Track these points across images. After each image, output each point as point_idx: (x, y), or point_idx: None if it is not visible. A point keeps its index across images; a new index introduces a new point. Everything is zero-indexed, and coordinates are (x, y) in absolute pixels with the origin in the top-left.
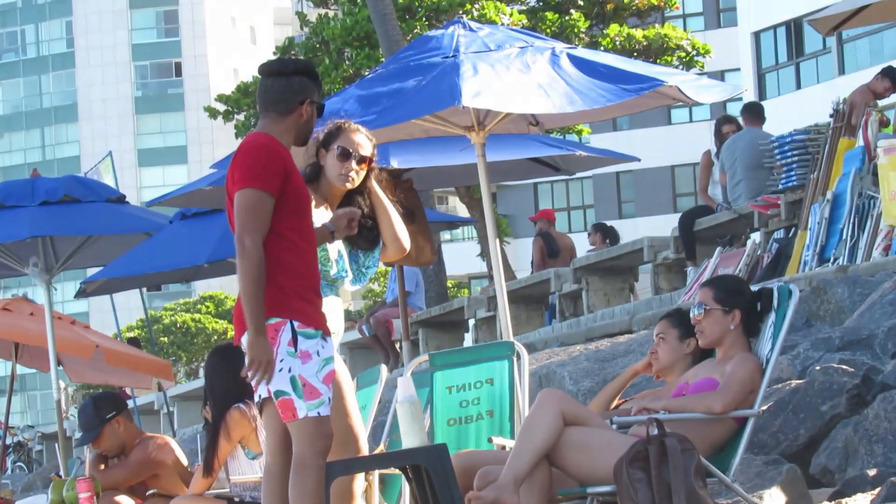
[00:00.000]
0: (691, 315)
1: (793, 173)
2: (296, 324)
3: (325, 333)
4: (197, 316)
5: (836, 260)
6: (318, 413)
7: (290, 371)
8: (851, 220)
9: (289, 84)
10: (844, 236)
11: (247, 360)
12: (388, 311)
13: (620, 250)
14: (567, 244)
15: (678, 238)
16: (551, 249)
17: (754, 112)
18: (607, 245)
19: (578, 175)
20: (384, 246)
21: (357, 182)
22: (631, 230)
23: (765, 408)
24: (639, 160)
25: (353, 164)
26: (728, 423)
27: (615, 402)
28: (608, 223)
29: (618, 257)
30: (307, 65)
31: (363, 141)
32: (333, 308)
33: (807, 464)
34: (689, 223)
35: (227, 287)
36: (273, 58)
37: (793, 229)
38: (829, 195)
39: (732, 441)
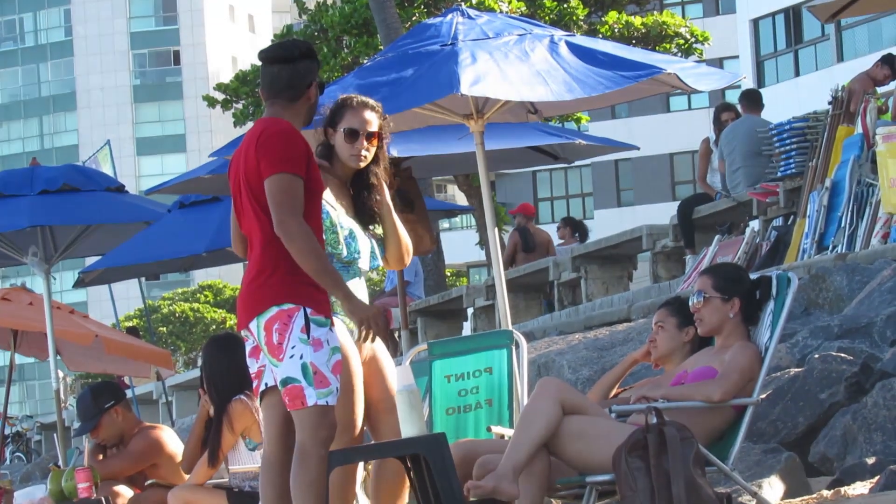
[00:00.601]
0: (690, 303)
1: (791, 161)
2: (308, 310)
3: (332, 323)
4: (195, 305)
5: (834, 248)
6: (327, 402)
7: (301, 358)
8: (850, 208)
9: (296, 70)
10: (843, 224)
11: (356, 329)
12: (387, 300)
13: (619, 238)
14: (543, 239)
15: (677, 226)
16: (526, 244)
17: (753, 99)
18: (576, 239)
19: (577, 163)
20: (385, 257)
21: (370, 158)
22: (630, 218)
23: (763, 396)
24: (637, 148)
25: (363, 142)
26: (727, 412)
27: (614, 391)
28: (577, 217)
29: (616, 245)
30: (309, 47)
31: (370, 116)
32: (356, 291)
33: (806, 452)
34: (688, 211)
35: (226, 276)
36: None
37: (791, 217)
38: (827, 183)
39: (731, 429)
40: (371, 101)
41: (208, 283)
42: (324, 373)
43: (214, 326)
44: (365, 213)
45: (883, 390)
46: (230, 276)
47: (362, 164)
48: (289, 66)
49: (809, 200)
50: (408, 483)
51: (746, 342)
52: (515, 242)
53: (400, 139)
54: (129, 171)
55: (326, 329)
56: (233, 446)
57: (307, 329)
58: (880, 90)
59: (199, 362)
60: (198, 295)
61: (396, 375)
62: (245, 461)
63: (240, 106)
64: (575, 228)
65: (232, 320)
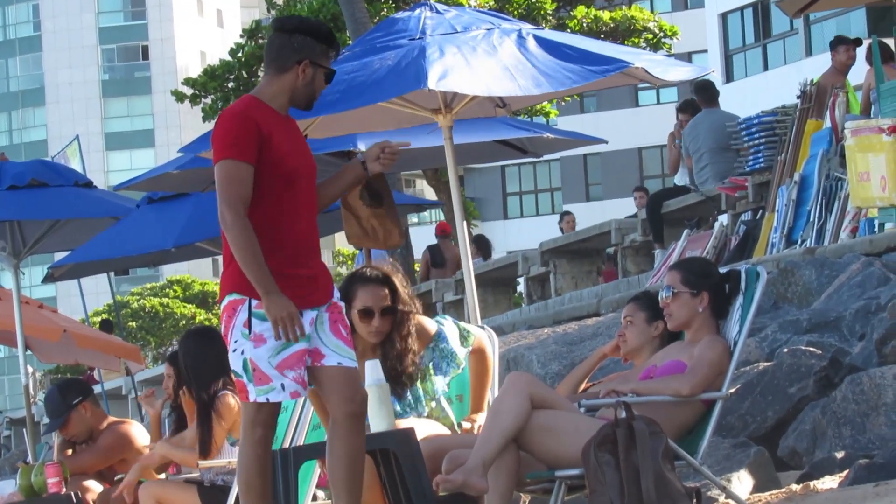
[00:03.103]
0: (659, 298)
1: (760, 155)
2: (254, 303)
3: (298, 306)
4: (165, 300)
5: (803, 242)
6: (267, 399)
7: (242, 353)
8: (819, 202)
9: (288, 41)
10: (812, 218)
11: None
12: None
13: (588, 233)
14: (454, 255)
15: (645, 221)
16: (435, 260)
17: (709, 93)
18: (480, 256)
19: (546, 157)
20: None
21: (385, 331)
22: (598, 213)
23: (733, 390)
24: (606, 142)
25: (376, 321)
26: (696, 406)
27: (583, 386)
28: (485, 237)
29: (585, 240)
30: (314, 25)
31: (381, 291)
32: (422, 427)
33: (775, 446)
34: (657, 206)
35: (195, 271)
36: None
37: (760, 211)
38: (796, 177)
39: (700, 424)
40: (383, 270)
41: (177, 277)
42: (262, 370)
43: (184, 321)
44: (394, 380)
45: (852, 384)
46: (199, 272)
47: (379, 339)
48: (282, 36)
49: (778, 195)
50: (376, 478)
51: (715, 336)
52: (427, 259)
53: (368, 133)
54: (97, 166)
55: (268, 322)
56: (224, 438)
57: (249, 323)
58: (853, 81)
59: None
60: (167, 290)
61: (366, 370)
62: (225, 456)
63: (208, 101)
64: (479, 246)
65: (202, 315)
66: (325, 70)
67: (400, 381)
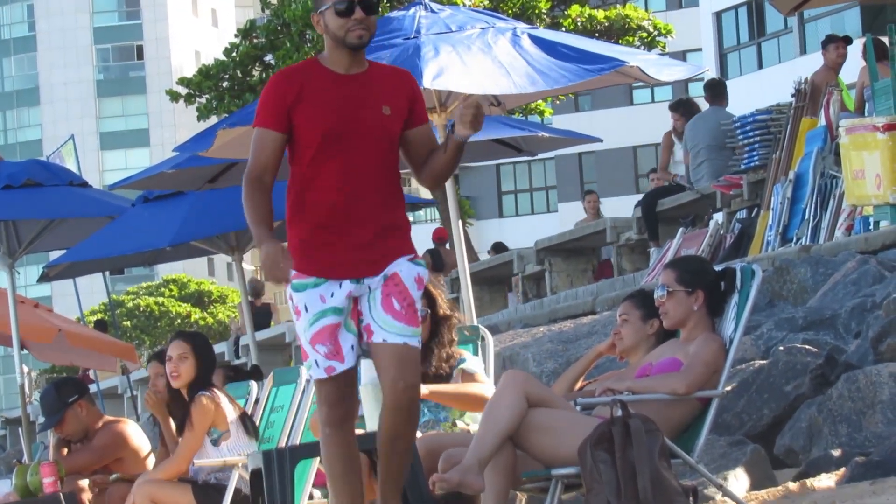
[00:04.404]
0: (655, 297)
1: (755, 153)
2: (292, 274)
3: (327, 276)
4: (160, 299)
5: (798, 240)
6: (311, 376)
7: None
8: (814, 200)
9: (315, 1)
10: (807, 216)
11: None
12: None
13: (583, 231)
14: (452, 260)
15: (641, 219)
16: (436, 264)
17: (717, 90)
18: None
19: (541, 156)
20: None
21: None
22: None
23: (728, 388)
24: (601, 141)
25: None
26: (692, 404)
27: (579, 384)
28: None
29: (580, 238)
30: None
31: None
32: None
33: (771, 444)
34: (652, 204)
35: (190, 270)
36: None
37: (755, 209)
38: (791, 175)
39: (696, 422)
40: None
41: (172, 277)
42: (303, 344)
43: (179, 321)
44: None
45: (848, 382)
46: (194, 271)
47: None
48: None
49: (773, 192)
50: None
51: (711, 334)
52: (428, 262)
53: None
54: (92, 165)
55: (306, 292)
56: (199, 447)
57: (292, 296)
58: (846, 80)
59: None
60: (162, 289)
61: (362, 368)
62: (211, 454)
63: (203, 100)
64: (432, 258)
65: (197, 314)
66: (334, 9)
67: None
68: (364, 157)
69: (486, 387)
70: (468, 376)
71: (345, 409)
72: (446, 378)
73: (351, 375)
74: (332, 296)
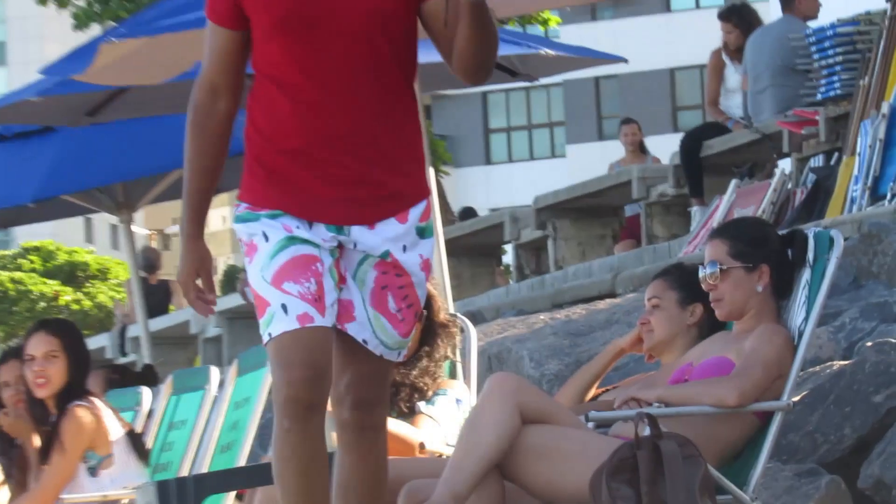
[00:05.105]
0: (701, 275)
1: (836, 79)
2: (242, 206)
3: (291, 213)
4: (17, 275)
5: (894, 196)
6: (269, 335)
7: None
8: None
9: None
10: None
11: None
12: None
13: (601, 184)
14: None
15: (679, 167)
16: None
17: None
18: None
19: (543, 81)
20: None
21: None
22: (615, 156)
23: (797, 399)
24: (626, 61)
25: None
26: (746, 420)
27: (592, 392)
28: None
29: (597, 194)
30: None
31: None
32: None
33: (855, 475)
34: (695, 147)
35: (60, 235)
36: None
37: (836, 155)
38: (885, 108)
39: (752, 444)
40: None
41: (34, 244)
42: (259, 291)
43: (44, 304)
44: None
45: None
46: (65, 236)
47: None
48: None
49: (860, 133)
50: None
51: (774, 325)
52: None
53: None
54: None
55: (259, 222)
56: (71, 478)
57: (240, 232)
58: None
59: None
60: (20, 261)
61: None
62: (86, 487)
63: (82, 3)
64: None
65: (68, 295)
66: None
67: (411, 397)
68: (345, 48)
69: (421, 432)
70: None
71: (315, 392)
72: (407, 416)
73: (328, 342)
74: (297, 228)
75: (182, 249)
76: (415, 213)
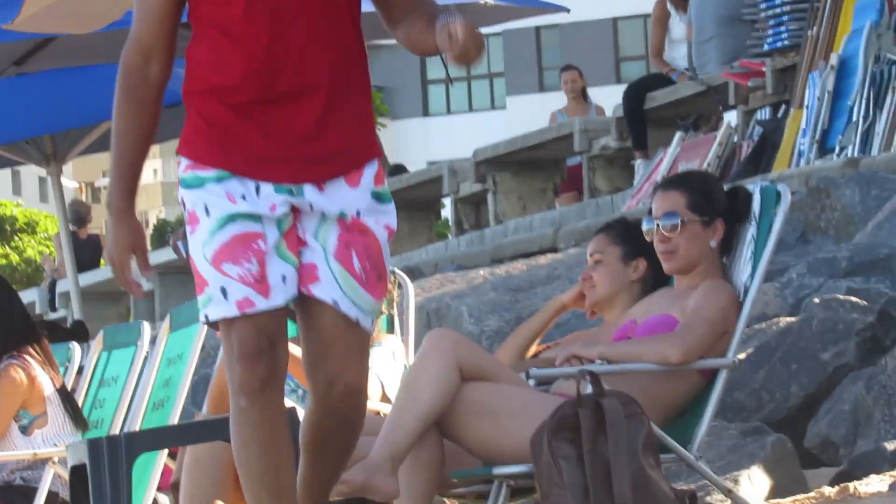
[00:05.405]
0: (649, 227)
1: (783, 29)
2: (185, 164)
3: (235, 171)
4: None
5: (843, 150)
6: (206, 317)
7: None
8: (865, 95)
9: None
10: (855, 117)
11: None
12: None
13: (542, 136)
14: None
15: (622, 120)
16: None
17: None
18: None
19: (483, 31)
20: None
21: None
22: (555, 108)
23: (742, 356)
24: (567, 10)
25: None
26: (691, 378)
27: (533, 349)
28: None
29: (538, 146)
30: None
31: None
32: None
33: (801, 434)
34: (638, 99)
35: None
36: None
37: (783, 107)
38: (833, 60)
39: (697, 402)
40: None
41: None
42: (199, 268)
43: None
44: None
45: None
46: None
47: None
48: None
49: (808, 85)
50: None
51: (719, 281)
52: None
53: None
54: None
55: (204, 190)
56: (2, 436)
57: (184, 197)
58: None
59: None
60: None
61: None
62: (18, 445)
63: None
64: None
65: None
66: None
67: None
68: None
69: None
70: None
71: (267, 367)
72: None
73: (279, 319)
74: (243, 198)
75: (112, 225)
76: (367, 175)
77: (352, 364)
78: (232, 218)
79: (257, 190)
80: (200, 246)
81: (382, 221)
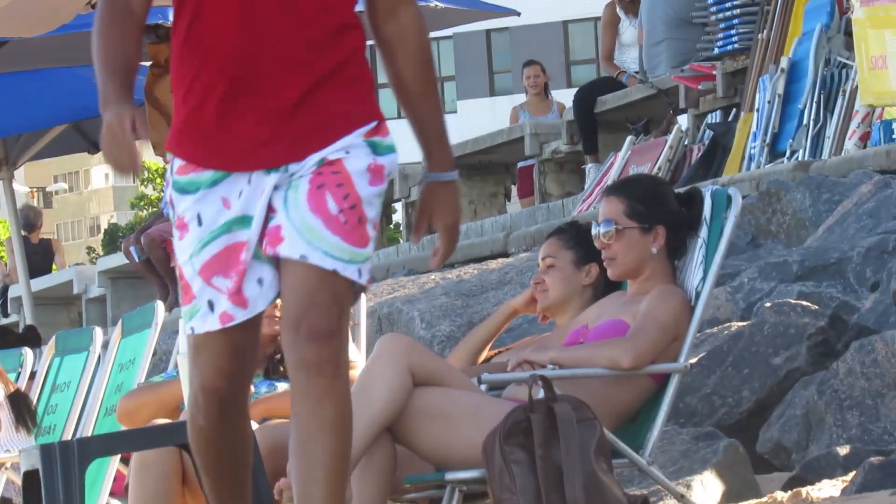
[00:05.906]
0: (594, 232)
1: (734, 32)
2: (177, 164)
3: (230, 168)
4: None
5: (793, 153)
6: (192, 329)
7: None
8: (815, 99)
9: None
10: (805, 121)
11: None
12: (167, 226)
13: (493, 140)
14: None
15: (573, 123)
16: None
17: None
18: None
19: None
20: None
21: None
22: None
23: (693, 361)
24: (517, 14)
25: None
26: (643, 383)
27: (485, 354)
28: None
29: (489, 150)
30: None
31: None
32: None
33: (753, 439)
34: (589, 103)
35: None
36: None
37: (733, 111)
38: (783, 63)
39: (649, 407)
40: None
41: None
42: (186, 277)
43: None
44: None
45: (860, 353)
46: None
47: None
48: None
49: (758, 88)
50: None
51: (670, 286)
52: None
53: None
54: None
55: (198, 196)
56: None
57: (174, 202)
58: None
59: None
60: None
61: (181, 333)
62: None
63: None
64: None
65: None
66: None
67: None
68: None
69: None
70: None
71: (237, 380)
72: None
73: (253, 327)
74: (239, 196)
75: (107, 107)
76: (359, 131)
77: (317, 306)
78: (227, 228)
79: (249, 179)
80: (189, 255)
81: (369, 160)
